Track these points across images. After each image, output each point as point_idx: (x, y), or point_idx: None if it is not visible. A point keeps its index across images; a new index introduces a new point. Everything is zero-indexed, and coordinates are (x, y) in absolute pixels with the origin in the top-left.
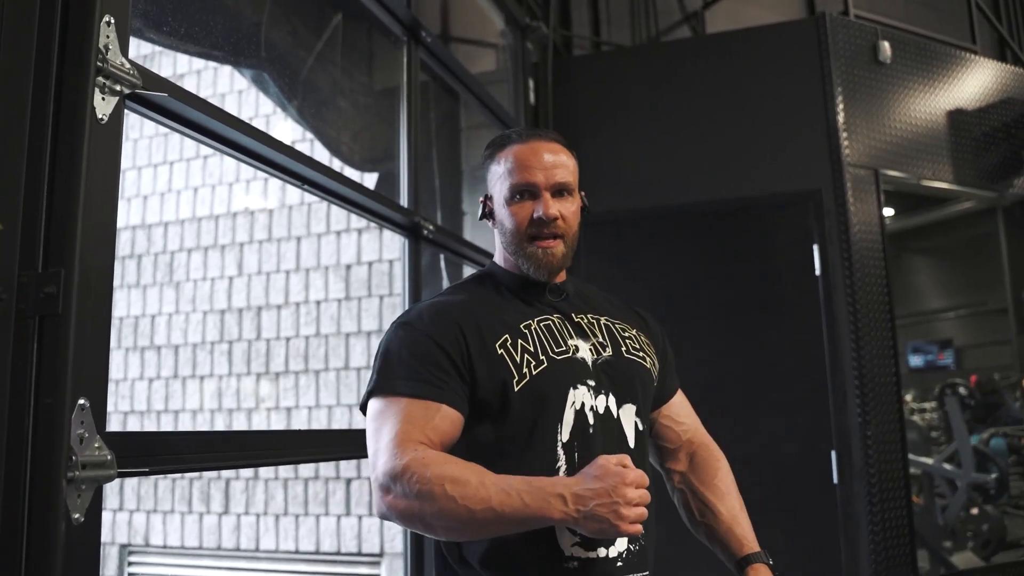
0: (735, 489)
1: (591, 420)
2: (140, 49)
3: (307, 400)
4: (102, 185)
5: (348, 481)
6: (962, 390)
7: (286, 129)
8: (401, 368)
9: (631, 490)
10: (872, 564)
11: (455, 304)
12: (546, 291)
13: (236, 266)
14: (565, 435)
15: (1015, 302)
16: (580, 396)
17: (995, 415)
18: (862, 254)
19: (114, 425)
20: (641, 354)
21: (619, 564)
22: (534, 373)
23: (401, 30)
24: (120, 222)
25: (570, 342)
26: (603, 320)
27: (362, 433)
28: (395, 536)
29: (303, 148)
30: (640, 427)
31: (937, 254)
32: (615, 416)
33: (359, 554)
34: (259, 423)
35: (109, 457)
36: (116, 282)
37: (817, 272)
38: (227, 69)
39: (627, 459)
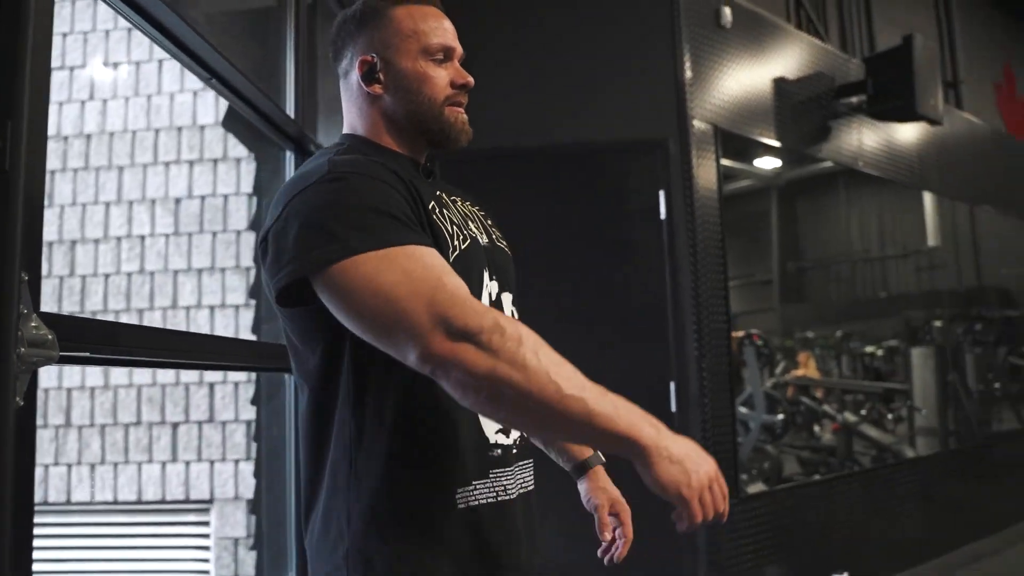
0: None
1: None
2: None
3: None
4: (42, 27)
5: (175, 426)
6: (759, 341)
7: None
8: (376, 217)
9: (718, 486)
10: None
11: (375, 160)
12: (420, 171)
13: (46, 196)
14: None
15: (781, 274)
16: (486, 280)
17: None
18: (702, 201)
19: None
20: (505, 243)
21: (514, 451)
22: (462, 247)
23: None
24: None
25: (469, 224)
26: (472, 208)
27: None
28: (227, 481)
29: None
30: (516, 316)
31: None
32: (500, 304)
33: (186, 501)
34: (69, 372)
35: (50, 337)
36: None
37: (662, 216)
38: None
39: None
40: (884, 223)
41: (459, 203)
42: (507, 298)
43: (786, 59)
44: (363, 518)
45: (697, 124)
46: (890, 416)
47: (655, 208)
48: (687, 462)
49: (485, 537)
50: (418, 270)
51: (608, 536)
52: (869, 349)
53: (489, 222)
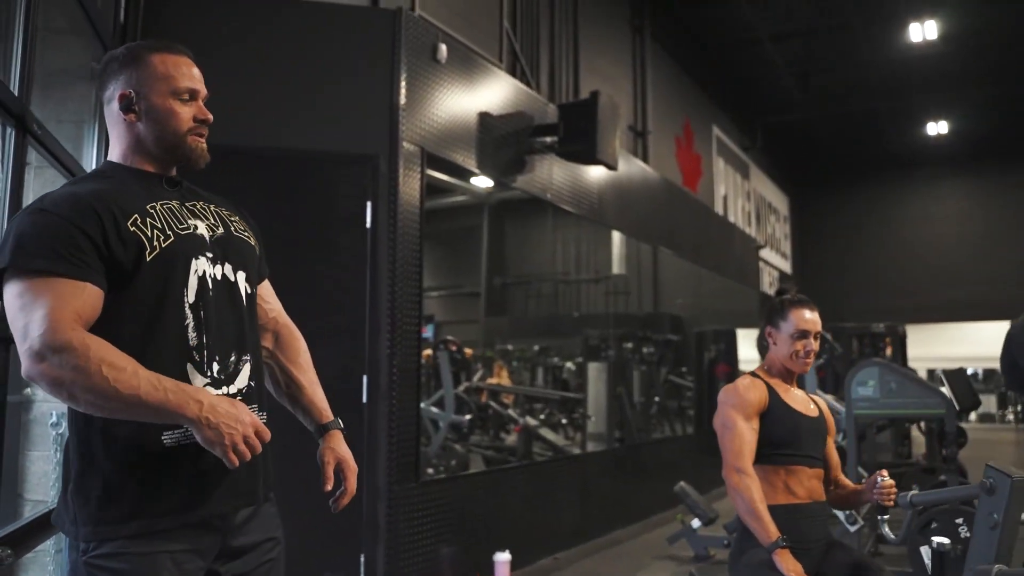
0: (312, 367)
1: (210, 285)
2: None
3: None
4: None
5: None
6: (453, 348)
7: None
8: (42, 249)
9: (252, 432)
10: (387, 470)
11: (88, 191)
12: (163, 183)
13: None
14: (191, 297)
15: (487, 288)
16: (201, 265)
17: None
18: (405, 215)
19: None
20: (247, 234)
21: (239, 398)
22: (163, 246)
23: None
24: None
25: (189, 221)
26: (212, 207)
27: None
28: None
29: None
30: (249, 291)
31: (431, 238)
32: (232, 280)
33: None
34: None
35: None
36: None
37: (368, 225)
38: None
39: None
40: (581, 250)
41: (198, 205)
42: (241, 276)
43: (492, 97)
44: (104, 457)
45: (406, 145)
46: (564, 421)
47: (362, 216)
48: (222, 426)
49: (189, 468)
50: (49, 297)
51: (328, 487)
52: (567, 364)
53: (235, 218)
